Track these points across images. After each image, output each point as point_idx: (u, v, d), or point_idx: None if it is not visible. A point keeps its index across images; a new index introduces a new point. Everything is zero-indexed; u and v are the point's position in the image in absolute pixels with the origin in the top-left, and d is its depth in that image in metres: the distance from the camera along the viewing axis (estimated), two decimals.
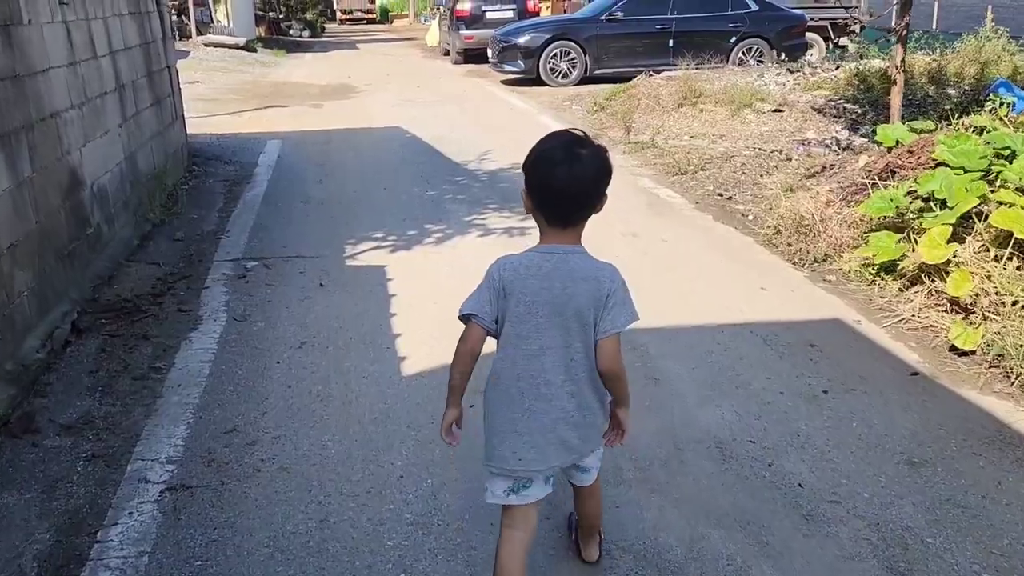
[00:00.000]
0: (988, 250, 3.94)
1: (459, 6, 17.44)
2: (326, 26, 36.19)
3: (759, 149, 7.99)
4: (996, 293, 3.66)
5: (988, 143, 4.62)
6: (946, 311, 3.87)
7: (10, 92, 3.47)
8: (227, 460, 2.80)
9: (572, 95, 12.12)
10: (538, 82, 13.19)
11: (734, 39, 13.26)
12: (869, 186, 5.05)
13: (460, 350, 1.94)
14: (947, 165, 4.60)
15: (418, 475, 2.72)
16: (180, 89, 7.37)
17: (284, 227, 5.61)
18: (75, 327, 3.80)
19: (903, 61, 6.02)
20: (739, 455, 2.80)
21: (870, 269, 4.39)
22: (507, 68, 13.64)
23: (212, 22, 19.66)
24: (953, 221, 3.92)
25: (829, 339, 3.74)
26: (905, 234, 4.37)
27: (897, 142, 5.61)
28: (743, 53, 13.28)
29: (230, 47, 18.11)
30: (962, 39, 10.38)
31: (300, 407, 3.17)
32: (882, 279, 4.32)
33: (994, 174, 4.27)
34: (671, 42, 13.19)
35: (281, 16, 30.61)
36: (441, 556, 2.36)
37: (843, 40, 16.28)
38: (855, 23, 16.46)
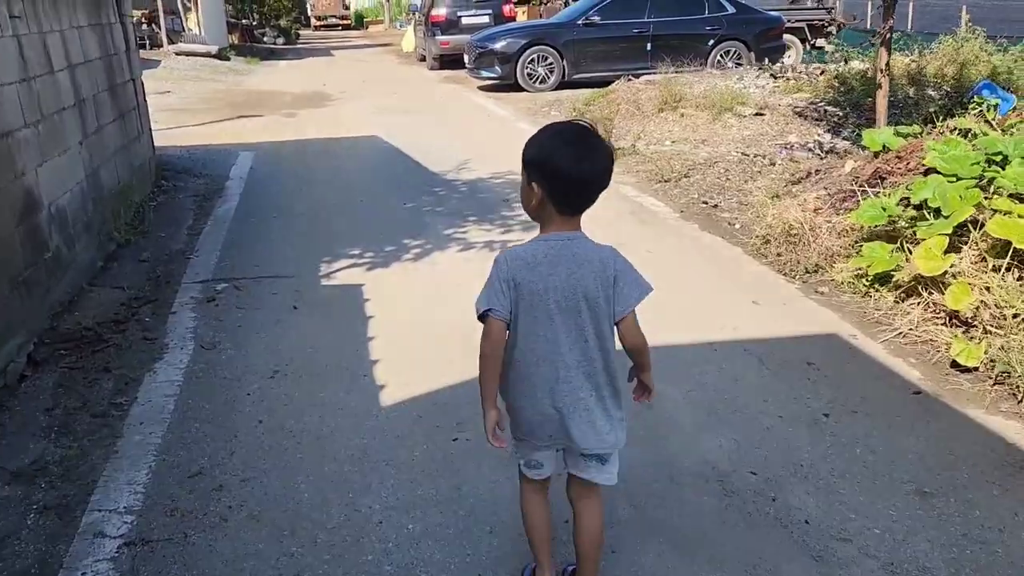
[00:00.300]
0: (985, 260, 3.82)
1: (434, 11, 17.26)
2: (300, 33, 35.83)
3: (742, 154, 7.87)
4: (996, 306, 3.53)
5: (979, 148, 4.52)
6: (944, 324, 3.74)
7: None
8: (191, 509, 2.59)
9: (551, 100, 11.97)
10: (516, 88, 13.04)
11: (712, 42, 13.18)
12: (859, 193, 4.93)
13: (486, 348, 1.94)
14: (938, 172, 4.49)
15: (399, 520, 2.53)
16: (146, 101, 7.13)
17: (257, 244, 5.39)
18: (31, 360, 3.58)
19: (888, 64, 5.92)
20: (741, 489, 2.63)
21: (864, 280, 4.25)
22: (484, 74, 13.48)
23: (183, 31, 19.32)
24: (949, 231, 3.79)
25: (826, 357, 3.59)
26: (898, 244, 4.25)
27: (884, 147, 5.50)
28: (721, 56, 13.20)
29: (202, 56, 17.79)
30: (940, 40, 10.34)
31: (271, 445, 2.96)
32: (876, 291, 4.19)
33: (987, 180, 4.16)
34: (649, 46, 13.08)
35: (254, 23, 30.24)
36: None
37: (820, 42, 16.32)
38: (831, 24, 16.52)
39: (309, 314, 4.20)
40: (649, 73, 12.00)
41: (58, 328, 3.96)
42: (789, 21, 14.70)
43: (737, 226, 5.61)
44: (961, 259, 3.76)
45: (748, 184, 6.78)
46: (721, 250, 5.12)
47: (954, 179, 4.19)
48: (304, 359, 3.66)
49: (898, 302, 4.03)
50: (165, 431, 3.06)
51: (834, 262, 4.61)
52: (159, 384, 3.44)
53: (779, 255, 4.83)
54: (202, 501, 2.63)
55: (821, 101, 9.49)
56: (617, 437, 2.00)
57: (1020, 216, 3.72)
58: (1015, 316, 3.45)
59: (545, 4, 22.38)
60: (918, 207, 4.32)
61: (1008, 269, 3.64)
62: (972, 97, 6.73)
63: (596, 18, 13.12)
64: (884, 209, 4.31)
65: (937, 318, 3.81)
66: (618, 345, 1.99)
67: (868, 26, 19.77)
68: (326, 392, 3.35)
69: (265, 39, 29.13)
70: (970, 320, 3.58)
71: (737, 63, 13.11)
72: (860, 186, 5.01)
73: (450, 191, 6.77)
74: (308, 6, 45.61)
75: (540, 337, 1.90)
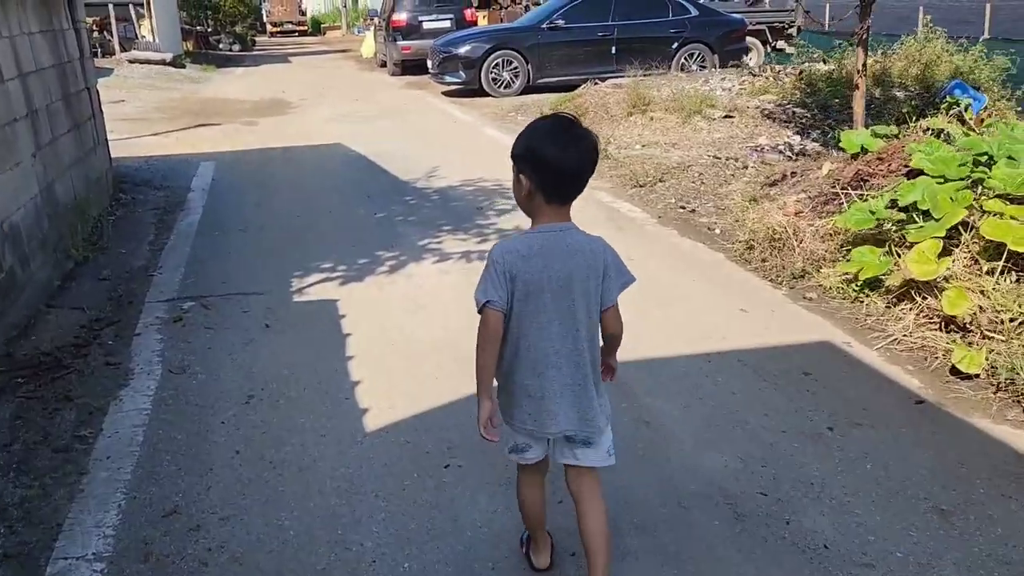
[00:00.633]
0: (977, 263, 3.77)
1: (395, 17, 17.03)
2: (256, 39, 35.28)
3: (714, 157, 7.82)
4: (993, 310, 3.47)
5: (963, 149, 4.48)
6: (939, 329, 3.67)
7: None
8: (167, 552, 2.39)
9: (517, 105, 11.85)
10: (480, 93, 12.88)
11: (676, 45, 13.18)
12: (842, 196, 4.87)
13: (484, 337, 1.98)
14: (924, 173, 4.44)
15: (393, 558, 2.36)
16: (102, 111, 6.84)
17: (223, 259, 5.16)
18: None
19: (865, 65, 5.90)
20: (752, 512, 2.51)
21: (853, 285, 4.18)
22: (448, 79, 13.30)
23: (136, 38, 18.82)
24: (943, 234, 3.73)
25: (822, 365, 3.50)
26: (887, 247, 4.18)
27: (863, 148, 5.46)
28: (685, 58, 13.20)
29: (156, 63, 17.34)
30: (902, 40, 10.42)
31: (251, 478, 2.77)
32: (866, 295, 4.12)
33: (973, 181, 4.12)
34: (613, 49, 13.04)
35: (209, 30, 29.68)
36: None
37: (780, 43, 16.46)
38: (791, 27, 16.67)
39: (283, 332, 4.00)
40: (614, 76, 11.96)
41: (13, 354, 3.71)
42: (750, 23, 14.77)
43: (717, 231, 5.52)
44: (954, 262, 3.70)
45: (723, 188, 6.72)
46: (703, 256, 5.03)
47: (942, 180, 4.15)
48: (280, 382, 3.46)
49: (889, 307, 3.96)
50: (134, 466, 2.85)
51: (820, 267, 4.54)
52: (126, 413, 3.21)
53: (764, 260, 4.75)
54: (178, 543, 2.43)
55: (788, 103, 9.50)
56: (600, 421, 2.07)
57: (1012, 218, 3.67)
58: (1012, 320, 3.40)
59: (506, 8, 22.32)
60: (902, 208, 4.27)
61: (1002, 272, 3.59)
62: (944, 97, 6.77)
63: (560, 22, 13.03)
64: (872, 212, 4.24)
65: (931, 323, 3.74)
66: None
67: (826, 28, 20.01)
68: (306, 417, 3.16)
69: (221, 46, 28.60)
70: (966, 325, 3.52)
71: (701, 66, 13.13)
72: (843, 188, 4.96)
73: (421, 200, 6.59)
74: (263, 12, 45.01)
75: (534, 325, 1.96)
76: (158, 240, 5.63)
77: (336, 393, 3.36)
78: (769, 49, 16.05)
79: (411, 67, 16.66)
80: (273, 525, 2.51)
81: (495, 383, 2.06)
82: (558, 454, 2.09)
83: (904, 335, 3.71)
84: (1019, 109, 6.94)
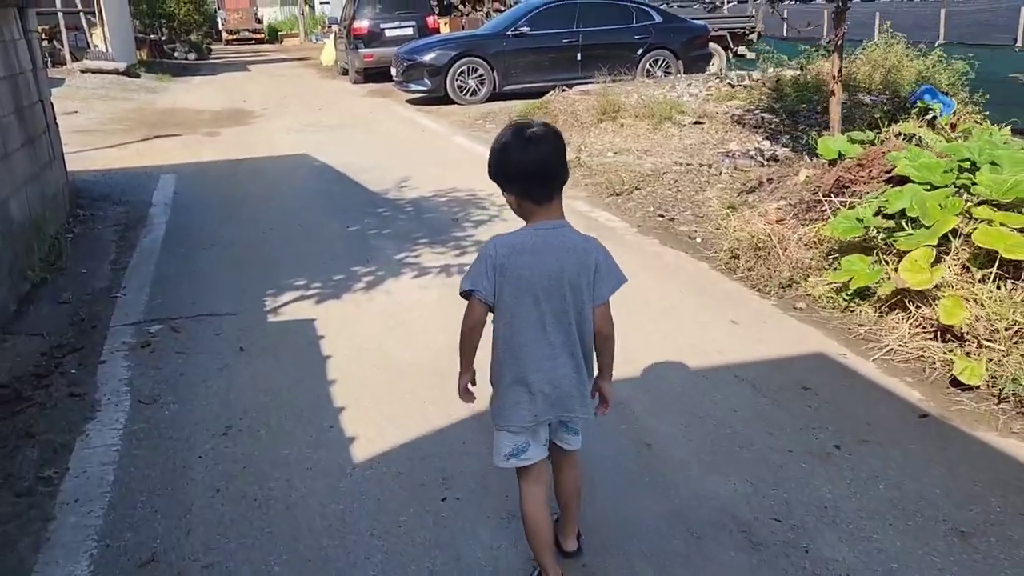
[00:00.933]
0: (969, 270, 3.73)
1: (356, 24, 16.80)
2: (212, 47, 34.70)
3: (687, 164, 7.78)
4: (988, 319, 3.42)
5: (945, 155, 4.46)
6: (934, 339, 3.62)
7: None
8: None
9: (484, 113, 11.71)
10: (446, 100, 12.74)
11: (641, 51, 13.18)
12: (826, 204, 4.82)
13: (467, 324, 2.08)
14: (906, 180, 4.41)
15: None
16: (57, 124, 6.55)
17: (191, 278, 4.94)
18: None
19: (840, 71, 5.87)
20: (768, 540, 2.40)
21: (844, 295, 4.12)
22: (413, 87, 13.13)
23: (88, 47, 18.32)
24: (935, 242, 3.68)
25: (820, 379, 3.42)
26: (875, 255, 4.13)
27: (840, 154, 5.44)
28: (650, 65, 13.21)
29: (110, 73, 16.87)
30: (864, 46, 10.52)
31: (234, 518, 2.59)
32: (857, 305, 4.06)
33: (959, 188, 4.09)
34: (579, 56, 13.00)
35: (164, 38, 29.10)
36: None
37: (741, 49, 16.60)
38: (752, 33, 16.84)
39: (259, 356, 3.81)
40: (581, 83, 11.90)
41: None
42: (712, 30, 14.85)
43: (698, 240, 5.45)
44: (948, 270, 3.65)
45: (699, 195, 6.66)
46: (687, 266, 4.94)
47: (928, 187, 4.11)
48: (259, 410, 3.27)
49: (882, 316, 3.91)
50: (106, 509, 2.65)
51: (807, 275, 4.48)
52: (94, 450, 3.00)
53: (750, 270, 4.68)
54: None
55: (756, 108, 9.52)
56: (589, 409, 2.16)
57: (1002, 224, 3.64)
58: (1007, 328, 3.35)
59: (466, 15, 22.22)
60: (888, 216, 4.23)
61: (996, 280, 3.55)
62: (915, 102, 6.80)
63: (526, 28, 12.95)
64: (859, 220, 4.19)
65: (925, 332, 3.69)
66: None
67: (784, 34, 20.23)
68: (290, 449, 2.98)
69: (176, 54, 28.04)
70: (963, 334, 3.46)
71: (666, 72, 13.15)
72: (826, 195, 4.91)
73: (395, 212, 6.42)
74: (219, 20, 44.34)
75: (528, 319, 2.02)
76: (120, 259, 5.38)
77: (320, 421, 3.19)
78: (731, 55, 16.17)
79: (373, 75, 16.45)
80: (261, 572, 2.34)
81: (492, 384, 2.14)
82: (551, 434, 2.17)
83: (899, 345, 3.65)
84: (986, 113, 6.98)
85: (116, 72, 17.10)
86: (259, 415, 3.23)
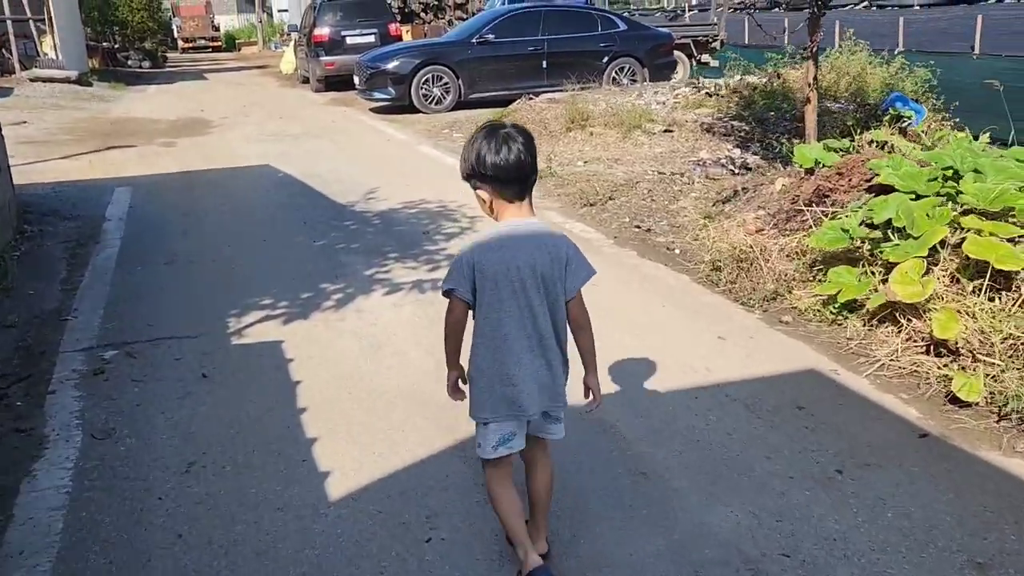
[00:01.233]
0: (958, 281, 3.64)
1: (317, 31, 16.52)
2: (168, 55, 34.03)
3: (659, 172, 7.68)
4: (983, 332, 3.33)
5: (926, 163, 4.39)
6: (926, 353, 3.52)
7: None
8: None
9: (450, 121, 11.54)
10: (411, 109, 12.52)
11: (606, 59, 13.11)
12: (808, 213, 4.73)
13: (450, 322, 2.17)
14: (888, 188, 4.33)
15: None
16: (2, 135, 6.22)
17: (148, 298, 4.67)
18: None
19: (815, 78, 5.82)
20: None
21: (831, 307, 4.01)
22: (376, 96, 12.89)
23: (38, 55, 17.73)
24: (925, 253, 3.59)
25: (813, 397, 3.30)
26: (861, 266, 4.04)
27: (817, 162, 5.36)
28: (616, 72, 13.15)
29: (60, 81, 16.34)
30: (828, 53, 10.56)
31: (198, 568, 2.36)
32: (844, 318, 3.95)
33: (945, 197, 4.01)
34: (544, 63, 12.89)
35: (117, 46, 28.44)
36: None
37: (704, 57, 16.63)
38: (715, 40, 16.89)
39: (223, 383, 3.57)
40: (547, 91, 11.80)
41: None
42: (676, 38, 14.85)
43: (677, 251, 5.32)
44: (937, 282, 3.56)
45: (674, 204, 6.56)
46: (668, 279, 4.81)
47: (913, 197, 4.03)
48: (224, 444, 3.05)
49: (870, 329, 3.80)
50: (54, 561, 2.41)
51: (791, 287, 4.38)
52: (41, 493, 2.75)
53: (732, 282, 4.56)
54: None
55: (725, 116, 9.48)
56: (564, 396, 2.24)
57: (992, 234, 3.56)
58: (1004, 342, 3.26)
59: (428, 23, 22.04)
60: (873, 226, 4.14)
61: (985, 291, 3.46)
62: (887, 109, 6.77)
63: (490, 36, 12.80)
64: (845, 231, 4.09)
65: (916, 346, 3.59)
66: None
67: (746, 42, 20.43)
68: (258, 487, 2.76)
69: (130, 62, 27.41)
70: (957, 348, 3.37)
71: (632, 79, 13.11)
72: (807, 203, 4.82)
73: (363, 225, 6.20)
74: (174, 28, 43.59)
75: (505, 314, 2.08)
76: (71, 278, 5.09)
77: (291, 454, 2.97)
78: (694, 63, 16.20)
79: (335, 83, 16.19)
80: None
81: (469, 380, 2.20)
82: (532, 428, 2.22)
83: (891, 360, 3.55)
84: (956, 120, 6.99)
85: (67, 81, 16.59)
86: (224, 449, 3.00)
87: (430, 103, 12.63)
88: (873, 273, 3.96)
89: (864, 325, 3.85)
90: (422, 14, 22.39)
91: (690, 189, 7.06)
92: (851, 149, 5.69)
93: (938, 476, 2.72)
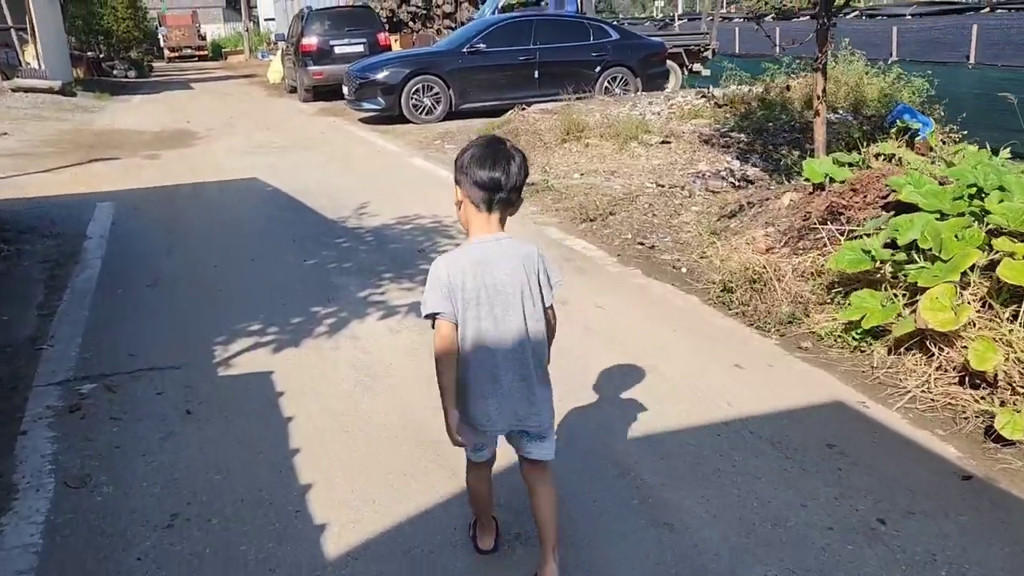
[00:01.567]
0: (990, 307, 3.44)
1: (305, 41, 16.29)
2: (154, 65, 33.73)
3: (658, 185, 7.49)
4: (1021, 362, 3.13)
5: (948, 180, 4.21)
6: (959, 384, 3.32)
7: None
8: None
9: (441, 132, 11.32)
10: (401, 120, 12.29)
11: (599, 68, 12.96)
12: (822, 231, 4.53)
13: (440, 349, 2.11)
14: (906, 206, 4.14)
15: None
16: None
17: (129, 324, 4.42)
18: None
19: (824, 90, 5.62)
20: None
21: (853, 334, 3.80)
22: (366, 106, 12.65)
23: (20, 64, 17.41)
24: (957, 278, 3.39)
25: (844, 434, 3.08)
26: (883, 288, 3.84)
27: (828, 177, 5.17)
28: (609, 82, 12.99)
29: (43, 92, 16.07)
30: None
31: None
32: (868, 344, 3.75)
33: (972, 217, 3.82)
34: (536, 73, 12.73)
35: (102, 55, 28.12)
36: None
37: (696, 66, 16.51)
38: (707, 50, 16.77)
39: (208, 420, 3.32)
40: (539, 101, 11.62)
41: None
42: (667, 47, 14.71)
43: (683, 270, 5.11)
44: (969, 305, 3.35)
45: (676, 219, 6.36)
46: (677, 301, 4.59)
47: (938, 216, 3.83)
48: (211, 492, 2.80)
49: (897, 357, 3.60)
50: None
51: (808, 311, 4.17)
52: (8, 552, 2.49)
53: (744, 304, 4.35)
54: None
55: (723, 127, 9.30)
56: (547, 415, 2.20)
57: None
58: None
59: (417, 32, 21.85)
60: (894, 246, 3.94)
61: (1020, 317, 3.27)
62: (893, 121, 6.61)
63: (482, 46, 12.61)
64: (865, 252, 3.89)
65: (948, 376, 3.39)
66: None
67: (737, 51, 20.36)
68: (249, 543, 2.51)
69: (115, 72, 27.09)
70: (995, 380, 3.16)
71: (624, 89, 12.95)
72: (821, 221, 4.63)
73: (355, 242, 5.96)
74: (160, 37, 43.27)
75: (480, 330, 2.09)
76: (48, 302, 4.82)
77: (283, 504, 2.72)
78: (686, 72, 16.08)
79: (323, 93, 15.97)
80: None
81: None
82: (513, 444, 2.25)
83: (922, 391, 3.34)
84: (964, 132, 6.83)
85: (50, 91, 16.32)
86: (211, 499, 2.75)
87: (420, 113, 12.42)
88: (896, 296, 3.77)
89: (890, 353, 3.65)
90: (410, 23, 22.19)
91: (691, 203, 6.87)
92: (861, 163, 5.52)
93: (990, 526, 2.51)
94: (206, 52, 43.11)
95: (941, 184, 4.21)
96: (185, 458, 3.02)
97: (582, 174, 8.15)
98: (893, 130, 6.53)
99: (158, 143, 11.45)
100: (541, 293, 2.13)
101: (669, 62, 14.90)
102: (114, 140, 11.81)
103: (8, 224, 6.49)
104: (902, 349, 3.61)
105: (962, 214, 3.81)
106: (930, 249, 3.63)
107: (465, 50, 12.63)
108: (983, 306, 3.48)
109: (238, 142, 11.26)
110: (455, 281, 2.06)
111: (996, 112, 10.10)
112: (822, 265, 4.36)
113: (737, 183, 7.52)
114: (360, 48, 16.42)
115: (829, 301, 4.17)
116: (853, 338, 3.79)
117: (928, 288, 3.43)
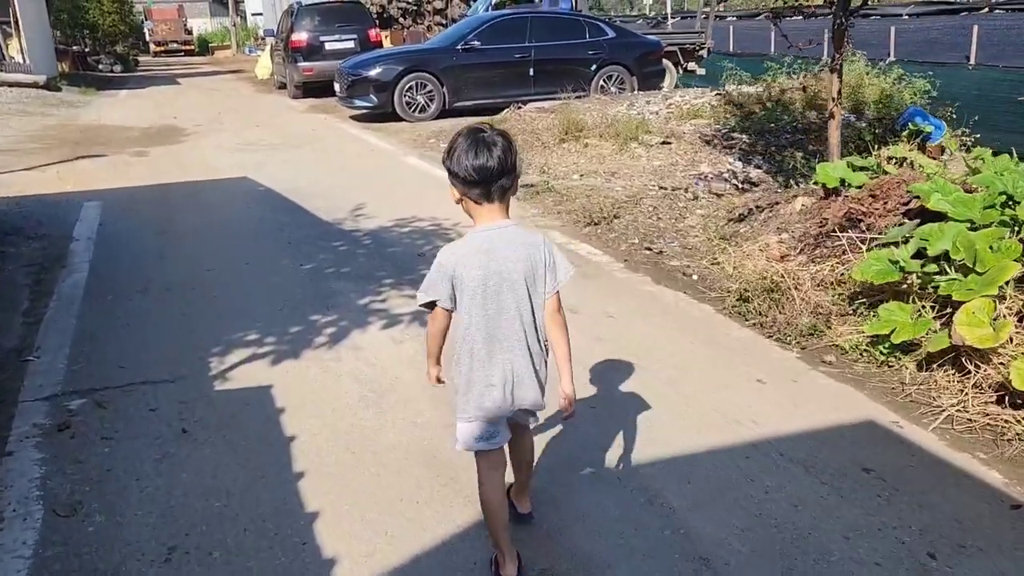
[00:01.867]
0: None
1: (295, 36, 16.01)
2: (140, 59, 33.28)
3: (660, 187, 7.32)
4: None
5: (976, 187, 4.07)
6: (997, 403, 3.17)
7: None
8: None
9: (435, 130, 11.11)
10: (394, 117, 12.07)
11: (595, 67, 12.78)
12: (843, 239, 4.38)
13: (432, 331, 2.21)
14: (930, 214, 4.00)
15: None
16: None
17: (120, 334, 4.21)
18: None
19: (839, 92, 5.47)
20: None
21: (880, 348, 3.65)
22: (358, 103, 12.42)
23: (4, 59, 17.07)
24: (995, 291, 3.24)
25: (880, 457, 2.92)
26: (911, 301, 3.69)
27: (843, 182, 5.02)
28: (604, 80, 12.82)
29: (28, 86, 15.77)
30: (823, 63, 10.30)
31: None
32: (897, 359, 3.60)
33: (1007, 227, 3.67)
34: (531, 71, 12.54)
35: (87, 50, 27.70)
36: None
37: (691, 65, 16.38)
38: (701, 48, 16.65)
39: (206, 440, 3.12)
40: (534, 99, 11.46)
41: None
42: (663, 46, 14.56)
43: (695, 277, 4.95)
44: (1012, 326, 3.21)
45: (682, 223, 6.20)
46: (691, 311, 4.43)
47: (969, 225, 3.69)
48: (211, 522, 2.61)
49: (929, 373, 3.45)
50: None
51: (829, 322, 4.02)
52: None
53: (762, 315, 4.19)
54: None
55: (724, 127, 9.16)
56: (545, 396, 2.24)
57: None
58: None
59: (408, 28, 21.61)
60: (919, 256, 3.80)
61: None
62: (904, 124, 6.48)
63: (476, 43, 12.40)
64: (893, 262, 3.74)
65: (983, 394, 3.24)
66: None
67: (731, 49, 20.26)
68: None
69: (100, 67, 26.71)
70: None
71: (620, 88, 12.80)
72: (840, 227, 4.48)
73: (352, 245, 5.76)
74: (146, 31, 42.78)
75: (485, 317, 2.11)
76: (34, 308, 4.60)
77: (289, 534, 2.54)
78: (681, 71, 15.94)
79: (313, 89, 15.71)
80: None
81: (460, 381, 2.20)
82: (515, 418, 2.27)
83: (958, 411, 3.19)
84: (977, 136, 6.70)
85: (35, 85, 16.01)
86: (211, 529, 2.57)
87: (414, 111, 12.20)
88: (924, 308, 3.62)
89: (920, 369, 3.50)
90: (401, 19, 21.96)
91: (696, 206, 6.72)
92: (875, 167, 5.38)
93: None
94: (192, 47, 42.68)
95: (966, 192, 4.07)
96: (182, 483, 2.83)
97: (582, 175, 7.98)
98: (904, 133, 6.40)
99: (145, 139, 11.19)
100: (546, 281, 2.14)
101: (664, 61, 14.77)
102: (100, 136, 11.54)
103: None
104: (934, 365, 3.46)
105: (994, 224, 3.67)
106: (962, 260, 3.49)
107: (459, 47, 12.42)
108: (1020, 320, 3.34)
109: (227, 139, 11.02)
110: (459, 271, 2.09)
111: (997, 113, 10.03)
112: (842, 274, 4.22)
113: (740, 185, 7.37)
114: (351, 44, 16.17)
115: (852, 312, 4.02)
116: (881, 352, 3.64)
117: (963, 302, 3.29)
